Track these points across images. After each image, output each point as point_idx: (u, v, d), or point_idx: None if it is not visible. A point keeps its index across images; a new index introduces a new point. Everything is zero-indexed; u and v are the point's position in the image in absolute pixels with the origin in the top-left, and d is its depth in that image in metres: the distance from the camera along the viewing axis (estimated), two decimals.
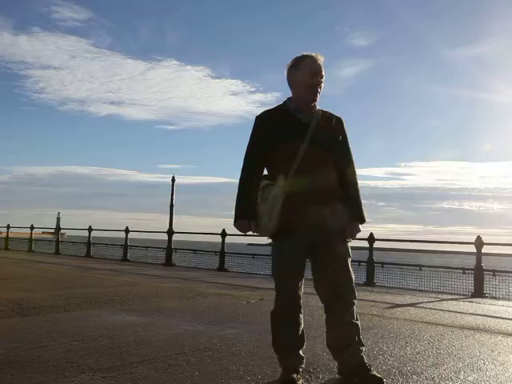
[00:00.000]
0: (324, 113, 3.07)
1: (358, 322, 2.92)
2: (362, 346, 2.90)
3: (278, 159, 2.91)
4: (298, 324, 2.95)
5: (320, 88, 2.98)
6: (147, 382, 2.85)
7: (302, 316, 2.97)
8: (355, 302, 2.92)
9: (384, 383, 2.81)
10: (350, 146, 3.13)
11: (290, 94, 3.06)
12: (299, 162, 2.83)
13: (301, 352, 2.95)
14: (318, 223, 2.82)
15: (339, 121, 3.11)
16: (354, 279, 2.93)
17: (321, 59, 2.99)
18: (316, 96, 2.97)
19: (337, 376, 2.94)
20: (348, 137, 3.14)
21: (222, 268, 11.92)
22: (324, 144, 2.92)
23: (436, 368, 3.36)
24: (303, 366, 2.96)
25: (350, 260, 2.95)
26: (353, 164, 3.09)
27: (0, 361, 3.20)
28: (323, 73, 2.98)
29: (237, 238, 13.62)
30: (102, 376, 2.93)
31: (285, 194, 2.79)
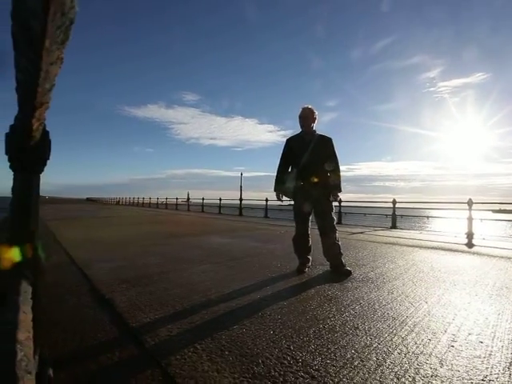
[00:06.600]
0: (321, 135, 2.87)
1: (339, 242, 2.85)
2: (341, 254, 2.86)
3: (295, 160, 2.87)
4: (307, 241, 2.91)
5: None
6: (233, 268, 2.95)
7: (309, 239, 2.91)
8: (336, 232, 2.82)
9: (351, 273, 2.76)
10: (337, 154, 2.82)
11: (298, 131, 2.95)
12: (304, 163, 2.80)
13: (309, 256, 2.95)
14: (312, 194, 2.78)
15: (330, 140, 2.84)
16: (335, 221, 2.82)
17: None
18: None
19: (327, 269, 2.93)
20: (335, 149, 2.82)
21: (266, 216, 11.92)
22: (318, 154, 2.79)
23: (374, 262, 3.33)
24: (309, 263, 2.98)
25: (332, 212, 2.81)
26: (336, 166, 2.79)
27: (163, 258, 3.39)
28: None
29: (273, 202, 13.63)
30: (214, 265, 3.06)
31: (296, 178, 2.80)
